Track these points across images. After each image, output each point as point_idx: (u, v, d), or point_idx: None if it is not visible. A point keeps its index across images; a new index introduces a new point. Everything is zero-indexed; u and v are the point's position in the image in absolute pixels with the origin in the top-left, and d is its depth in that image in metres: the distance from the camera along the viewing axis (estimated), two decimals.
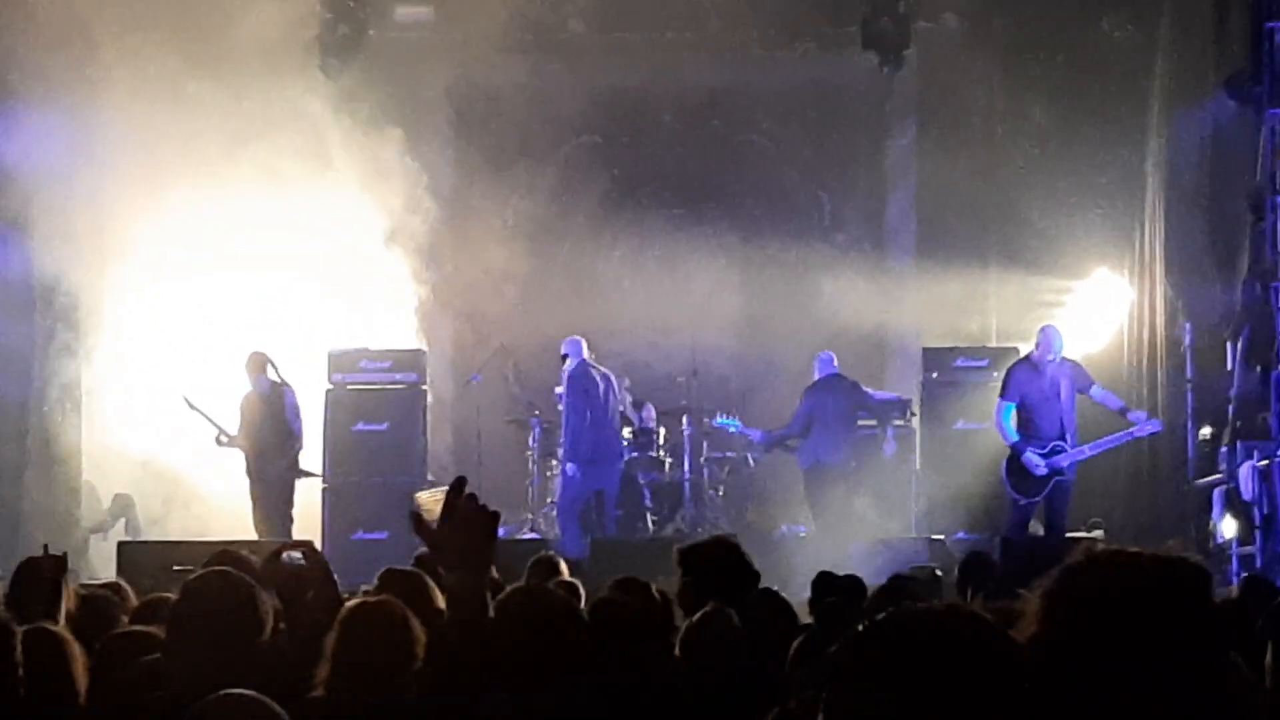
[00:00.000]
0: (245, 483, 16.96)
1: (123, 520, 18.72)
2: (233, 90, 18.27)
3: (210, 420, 16.71)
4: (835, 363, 17.66)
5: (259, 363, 16.89)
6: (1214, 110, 16.32)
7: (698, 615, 6.24)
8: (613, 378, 17.65)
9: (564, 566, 9.49)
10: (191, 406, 16.72)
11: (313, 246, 19.18)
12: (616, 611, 6.65)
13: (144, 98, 17.71)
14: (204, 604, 5.34)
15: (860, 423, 17.91)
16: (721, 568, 7.29)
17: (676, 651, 6.19)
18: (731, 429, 18.00)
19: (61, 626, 5.91)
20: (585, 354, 17.37)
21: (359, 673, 5.17)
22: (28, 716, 5.13)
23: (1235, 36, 15.93)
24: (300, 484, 17.08)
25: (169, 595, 7.30)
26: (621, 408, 19.21)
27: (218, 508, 17.52)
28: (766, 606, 7.25)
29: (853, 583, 9.76)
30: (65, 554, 7.14)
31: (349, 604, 5.74)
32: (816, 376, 17.53)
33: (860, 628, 2.61)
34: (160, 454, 18.62)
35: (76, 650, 5.33)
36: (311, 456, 17.41)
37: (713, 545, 7.49)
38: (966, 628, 2.58)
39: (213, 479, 17.77)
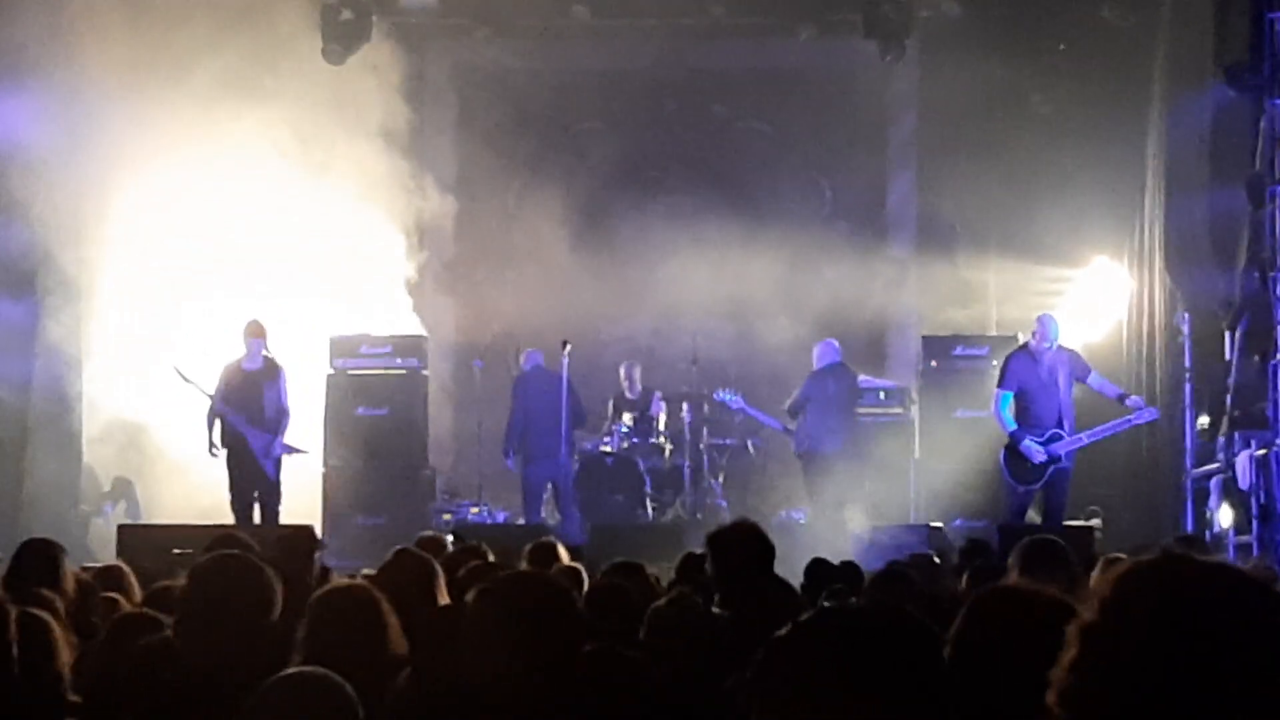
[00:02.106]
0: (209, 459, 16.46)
1: (122, 503, 18.73)
2: (235, 73, 18.25)
3: (204, 391, 16.27)
4: (839, 350, 17.69)
5: (258, 329, 16.41)
6: (1214, 99, 16.30)
7: (664, 600, 6.28)
8: (565, 380, 17.78)
9: (563, 552, 9.52)
10: (184, 379, 16.34)
11: (314, 231, 19.20)
12: (614, 595, 6.70)
13: (143, 77, 17.68)
14: (214, 585, 5.36)
15: (860, 410, 17.96)
16: (749, 551, 7.38)
17: (641, 634, 6.21)
18: (731, 405, 18.02)
19: (52, 611, 5.94)
20: (541, 361, 18.03)
21: (328, 658, 5.19)
22: (22, 696, 5.16)
23: (1235, 26, 15.91)
24: (302, 467, 16.95)
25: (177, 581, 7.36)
26: (632, 395, 19.34)
27: (212, 491, 17.41)
28: (777, 593, 7.32)
29: (850, 569, 9.81)
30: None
31: (319, 590, 5.77)
32: (820, 363, 17.54)
33: (784, 629, 2.63)
34: (159, 437, 18.63)
35: (58, 634, 5.37)
36: (312, 441, 17.38)
37: (739, 529, 7.57)
38: (889, 625, 2.59)
39: (208, 463, 17.59)
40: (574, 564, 9.06)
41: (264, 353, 16.42)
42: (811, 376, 17.44)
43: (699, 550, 8.58)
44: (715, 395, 18.41)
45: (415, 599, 6.16)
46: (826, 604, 2.71)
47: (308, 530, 9.21)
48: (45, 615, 5.48)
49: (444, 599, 7.09)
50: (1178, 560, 2.64)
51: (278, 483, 16.29)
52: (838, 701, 2.50)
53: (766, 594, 7.21)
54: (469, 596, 4.75)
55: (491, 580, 4.79)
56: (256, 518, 15.99)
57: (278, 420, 16.34)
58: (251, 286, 18.67)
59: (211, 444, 16.19)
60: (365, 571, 8.62)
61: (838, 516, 16.36)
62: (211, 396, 16.25)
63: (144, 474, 18.80)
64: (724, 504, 18.95)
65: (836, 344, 17.73)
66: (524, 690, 4.34)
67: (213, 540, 7.81)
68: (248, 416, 16.20)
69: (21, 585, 6.70)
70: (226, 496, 16.32)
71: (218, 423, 16.24)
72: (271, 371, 16.40)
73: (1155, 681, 2.48)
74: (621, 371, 19.44)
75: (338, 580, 7.06)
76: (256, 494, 16.19)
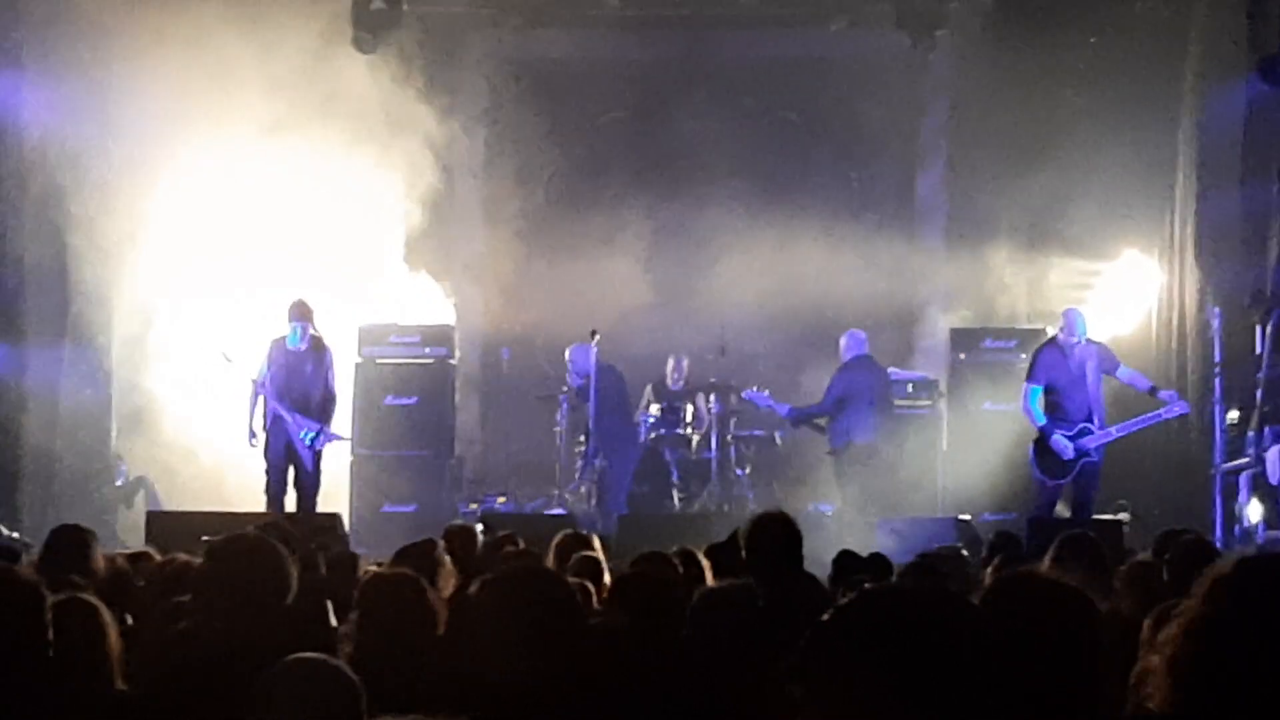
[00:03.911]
0: (242, 447, 16.12)
1: (141, 494, 18.73)
2: (265, 64, 18.24)
3: (250, 377, 15.89)
4: (865, 342, 17.65)
5: (307, 311, 15.92)
6: (1247, 92, 16.25)
7: (709, 589, 6.28)
8: (594, 370, 17.74)
9: (596, 542, 9.52)
10: (228, 360, 16.05)
11: (344, 218, 19.21)
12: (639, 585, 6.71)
13: (173, 69, 17.68)
14: (229, 567, 5.36)
15: (896, 402, 17.95)
16: (778, 539, 7.40)
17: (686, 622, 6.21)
18: (760, 403, 17.98)
19: (92, 594, 5.96)
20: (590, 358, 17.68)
21: (377, 641, 5.19)
22: (58, 680, 5.18)
23: (1269, 18, 15.85)
24: (330, 455, 16.79)
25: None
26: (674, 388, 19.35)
27: (236, 477, 17.38)
28: (803, 586, 7.33)
29: (878, 561, 9.80)
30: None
31: (366, 576, 5.78)
32: (848, 355, 17.49)
33: (832, 610, 2.62)
34: (183, 423, 18.63)
35: (107, 617, 5.38)
36: (344, 430, 17.31)
37: (770, 518, 7.58)
38: (937, 605, 2.58)
39: (232, 450, 17.50)
40: (595, 554, 9.04)
41: (311, 332, 15.98)
42: (843, 372, 17.35)
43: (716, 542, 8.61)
44: (744, 394, 18.34)
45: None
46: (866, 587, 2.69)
47: (328, 518, 9.18)
48: (94, 600, 5.49)
49: (448, 590, 7.11)
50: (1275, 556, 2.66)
51: (317, 472, 15.96)
52: (885, 683, 2.50)
53: (793, 584, 7.23)
54: (471, 589, 4.78)
55: (493, 573, 4.81)
56: (290, 506, 15.82)
57: (324, 405, 16.00)
58: (277, 273, 18.60)
59: (251, 431, 15.90)
60: (388, 562, 8.64)
61: (868, 509, 16.35)
62: (256, 381, 15.90)
63: (167, 459, 18.74)
64: (750, 495, 18.93)
65: (863, 335, 17.69)
66: (525, 679, 4.37)
67: (259, 527, 7.79)
68: (293, 401, 15.85)
69: (54, 570, 6.73)
70: (250, 482, 16.20)
71: (259, 408, 15.91)
72: (318, 352, 16.01)
73: (1260, 672, 2.48)
74: (670, 363, 19.41)
75: (369, 567, 7.07)
76: (294, 482, 15.89)
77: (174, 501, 18.20)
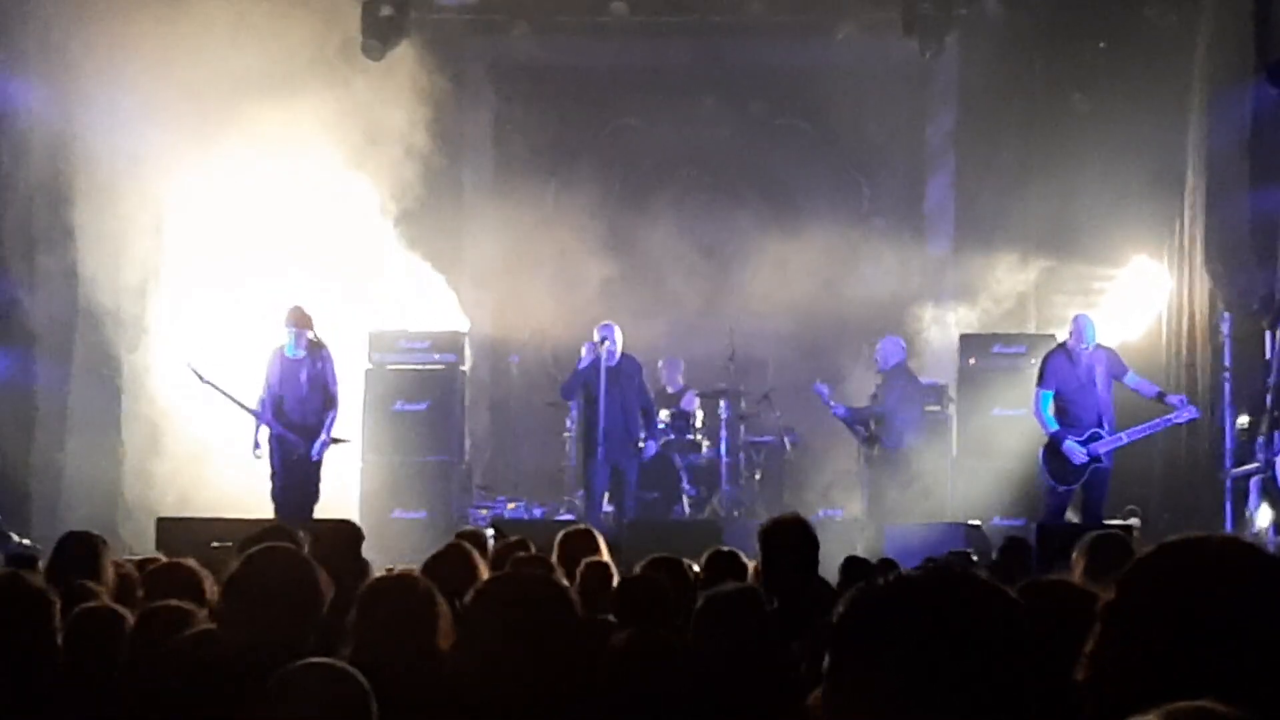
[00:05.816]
0: (248, 454, 15.93)
1: None
2: (271, 69, 18.26)
3: (223, 392, 15.74)
4: (905, 348, 17.85)
5: (303, 318, 15.68)
6: (1255, 97, 16.23)
7: (714, 594, 6.27)
8: (603, 372, 16.97)
9: (603, 546, 9.48)
10: (202, 379, 15.78)
11: (351, 225, 19.20)
12: (644, 588, 6.72)
13: (177, 69, 17.67)
14: (263, 576, 5.36)
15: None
16: (795, 544, 7.41)
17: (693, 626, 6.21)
18: (823, 396, 17.86)
19: (108, 600, 5.97)
20: (599, 348, 16.95)
21: (377, 647, 5.20)
22: (67, 685, 5.19)
23: (1277, 22, 15.83)
24: (339, 461, 16.77)
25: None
26: (672, 390, 19.21)
27: (239, 483, 17.34)
28: (816, 592, 7.34)
29: (888, 567, 9.80)
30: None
31: (369, 579, 5.78)
32: (892, 360, 17.59)
33: (856, 595, 2.59)
34: (188, 428, 18.61)
35: (128, 624, 5.39)
36: (350, 435, 17.25)
37: (788, 523, 7.59)
38: (964, 590, 2.56)
39: (233, 455, 17.41)
40: (605, 560, 9.00)
41: (309, 337, 15.75)
42: (897, 375, 17.49)
43: (727, 548, 8.62)
44: (815, 387, 18.13)
45: (458, 593, 6.15)
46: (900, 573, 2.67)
47: (350, 525, 9.14)
48: (121, 610, 5.49)
49: None
50: (1192, 539, 2.66)
51: (311, 481, 15.76)
52: (915, 668, 2.47)
53: (806, 589, 7.23)
54: (466, 598, 4.78)
55: (486, 581, 4.81)
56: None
57: (326, 409, 15.72)
58: (284, 280, 18.53)
59: (255, 443, 15.76)
60: (402, 566, 8.63)
61: (895, 513, 16.45)
62: (230, 396, 15.74)
63: (172, 464, 18.70)
64: (760, 501, 18.93)
65: (903, 342, 17.88)
66: (518, 685, 4.38)
67: (261, 532, 7.77)
68: (291, 409, 15.68)
69: (63, 577, 6.74)
70: (247, 489, 16.16)
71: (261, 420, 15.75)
72: (314, 358, 15.75)
73: (1168, 653, 2.49)
74: (660, 365, 19.37)
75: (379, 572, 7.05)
76: (295, 490, 15.68)
77: (183, 507, 18.18)
